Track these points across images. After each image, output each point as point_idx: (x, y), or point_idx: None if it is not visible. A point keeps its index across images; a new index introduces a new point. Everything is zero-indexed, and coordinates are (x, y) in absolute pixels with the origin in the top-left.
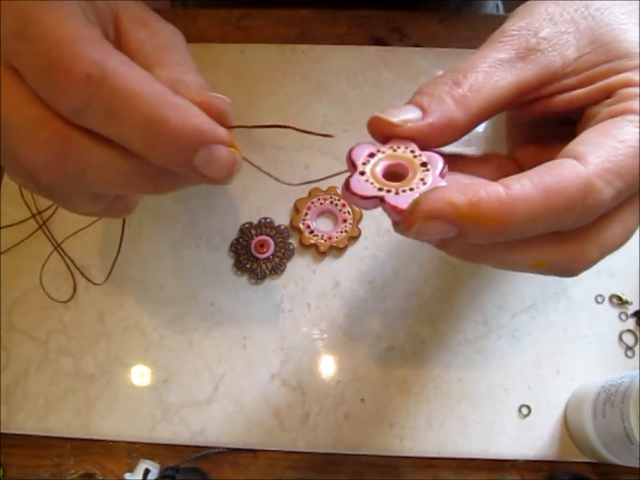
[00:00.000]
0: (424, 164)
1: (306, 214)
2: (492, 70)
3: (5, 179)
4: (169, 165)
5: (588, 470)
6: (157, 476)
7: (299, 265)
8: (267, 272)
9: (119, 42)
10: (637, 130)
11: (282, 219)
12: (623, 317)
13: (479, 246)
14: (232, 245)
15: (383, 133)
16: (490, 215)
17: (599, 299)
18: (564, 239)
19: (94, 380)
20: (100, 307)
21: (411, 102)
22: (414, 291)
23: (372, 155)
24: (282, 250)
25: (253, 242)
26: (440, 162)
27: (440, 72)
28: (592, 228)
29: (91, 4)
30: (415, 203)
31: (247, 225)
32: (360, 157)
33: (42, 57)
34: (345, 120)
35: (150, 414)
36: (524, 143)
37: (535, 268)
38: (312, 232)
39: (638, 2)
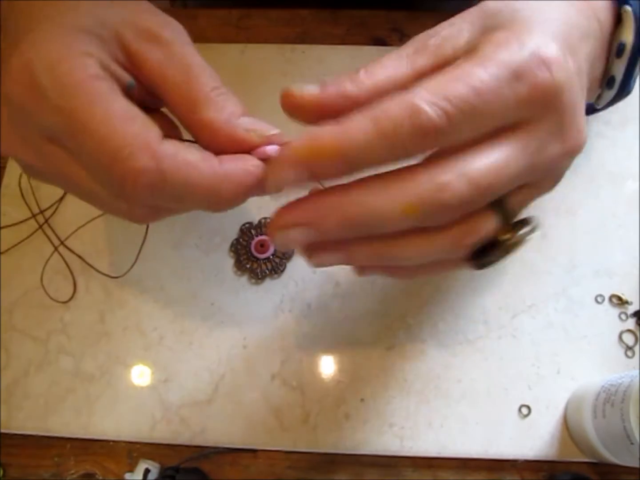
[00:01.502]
0: None
1: None
2: (389, 61)
3: (5, 179)
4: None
5: (588, 470)
6: (157, 476)
7: (299, 265)
8: (267, 272)
9: (133, 64)
10: (472, 64)
11: None
12: (623, 317)
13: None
14: (232, 245)
15: (289, 105)
16: (330, 145)
17: (599, 299)
18: (417, 171)
19: (94, 380)
20: (100, 307)
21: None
22: (414, 291)
23: None
24: (282, 250)
25: (253, 242)
26: None
27: None
28: (449, 157)
29: (98, 41)
30: (273, 165)
31: (247, 225)
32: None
33: (103, 166)
34: None
35: (150, 414)
36: None
37: (406, 215)
38: None
39: None
